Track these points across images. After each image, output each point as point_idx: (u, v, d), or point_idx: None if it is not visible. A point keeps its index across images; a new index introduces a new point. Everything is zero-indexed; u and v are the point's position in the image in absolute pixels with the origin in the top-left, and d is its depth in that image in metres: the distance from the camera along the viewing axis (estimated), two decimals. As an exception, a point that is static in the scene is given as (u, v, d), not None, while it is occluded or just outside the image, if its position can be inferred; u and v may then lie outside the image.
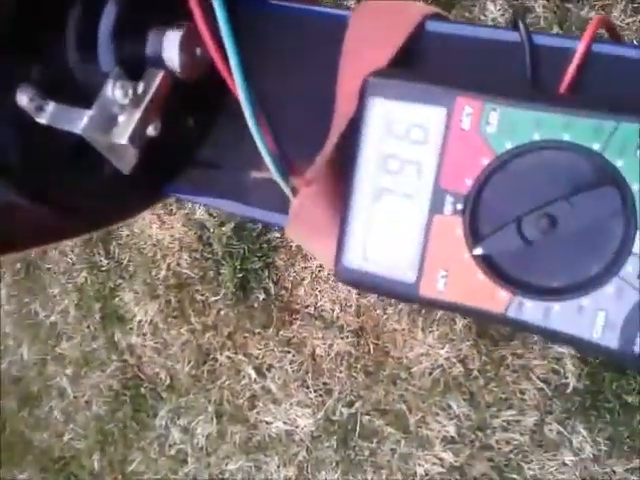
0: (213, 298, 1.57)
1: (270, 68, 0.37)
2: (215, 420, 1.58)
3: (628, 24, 1.12)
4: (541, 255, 0.27)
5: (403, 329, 1.44)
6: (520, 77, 0.30)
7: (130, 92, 0.26)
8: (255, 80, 0.29)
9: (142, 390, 1.67)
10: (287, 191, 0.30)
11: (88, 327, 1.75)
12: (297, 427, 1.49)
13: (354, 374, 1.44)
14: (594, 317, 0.26)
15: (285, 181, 0.30)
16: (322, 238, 0.32)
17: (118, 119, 0.26)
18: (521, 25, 0.30)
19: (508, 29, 0.32)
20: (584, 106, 0.25)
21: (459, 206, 0.28)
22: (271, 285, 1.49)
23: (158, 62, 0.28)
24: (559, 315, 0.27)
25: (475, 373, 1.33)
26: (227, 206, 0.38)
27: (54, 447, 1.84)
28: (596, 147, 0.25)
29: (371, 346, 1.42)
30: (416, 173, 0.28)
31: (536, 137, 0.26)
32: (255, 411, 1.53)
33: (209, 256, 1.55)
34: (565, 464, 1.28)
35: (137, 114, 0.26)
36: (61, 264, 1.79)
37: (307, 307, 1.48)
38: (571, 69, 0.28)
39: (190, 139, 0.35)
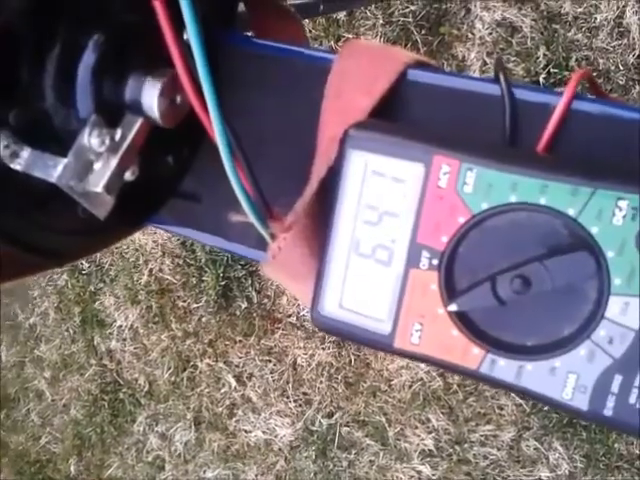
0: (195, 305, 1.56)
1: (253, 108, 0.37)
2: (194, 427, 1.58)
3: (614, 47, 1.14)
4: (515, 315, 0.27)
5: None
6: (500, 131, 0.30)
7: (107, 140, 0.26)
8: (236, 121, 0.29)
9: (121, 395, 1.66)
10: (265, 235, 0.30)
11: (67, 330, 1.74)
12: (276, 436, 1.49)
13: (334, 385, 1.44)
14: (565, 379, 0.26)
15: (263, 225, 0.30)
16: (299, 281, 0.32)
17: (94, 166, 0.26)
18: (502, 79, 0.30)
19: (490, 81, 0.32)
20: (561, 170, 0.25)
21: (435, 261, 0.28)
22: (254, 293, 1.49)
23: (137, 109, 0.27)
24: (531, 375, 0.27)
25: (454, 387, 1.33)
26: (207, 240, 0.37)
27: (30, 450, 1.83)
28: (571, 212, 0.25)
29: (352, 357, 1.43)
30: (394, 226, 0.28)
31: (512, 199, 0.26)
32: (234, 419, 1.53)
33: (192, 262, 1.55)
34: (541, 480, 1.30)
35: (113, 162, 0.26)
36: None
37: (289, 316, 1.48)
38: (549, 127, 0.29)
39: (170, 175, 0.35)
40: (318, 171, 0.30)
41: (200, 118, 0.28)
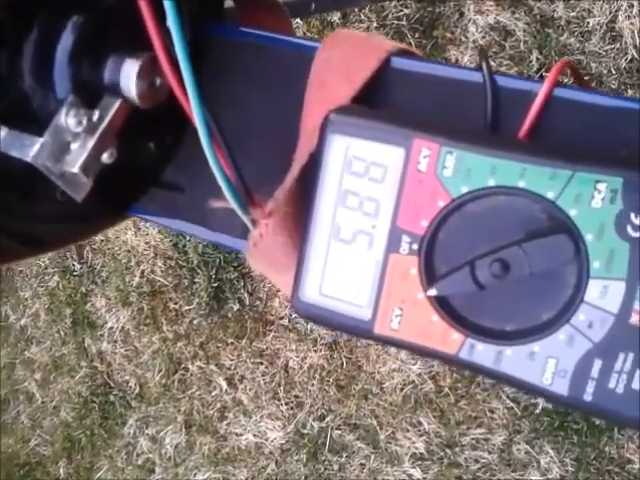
0: (186, 307, 1.55)
1: (236, 96, 0.37)
2: (184, 430, 1.57)
3: (606, 51, 1.14)
4: (494, 299, 0.27)
5: (376, 344, 1.43)
6: (482, 118, 0.30)
7: (84, 121, 0.26)
8: (218, 108, 0.29)
9: (111, 397, 1.65)
10: (247, 221, 0.30)
11: (58, 332, 1.73)
12: (267, 440, 1.48)
13: (326, 387, 1.44)
14: (545, 364, 0.26)
15: (244, 212, 0.29)
16: (281, 269, 0.32)
17: (70, 147, 0.26)
18: (484, 66, 0.30)
19: (472, 69, 0.32)
20: (540, 153, 0.25)
21: (415, 246, 0.27)
22: (246, 296, 1.49)
23: (115, 90, 0.27)
24: (510, 360, 0.27)
25: (446, 390, 1.33)
26: (190, 230, 0.37)
27: (20, 453, 1.81)
28: (550, 195, 0.25)
29: (344, 360, 1.42)
30: (374, 211, 0.28)
31: (491, 183, 0.26)
32: (225, 422, 1.52)
33: (184, 264, 1.54)
34: (532, 484, 1.29)
35: (90, 142, 0.26)
36: (33, 267, 1.76)
37: (281, 319, 1.47)
38: (531, 114, 0.29)
39: (152, 162, 0.35)
40: (300, 158, 0.30)
41: (179, 100, 0.27)
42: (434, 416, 1.36)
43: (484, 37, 1.18)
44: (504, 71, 1.13)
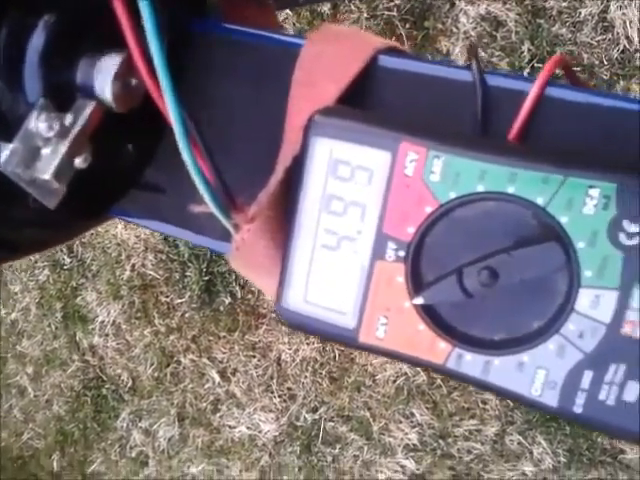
0: (178, 300, 1.54)
1: (220, 94, 0.36)
2: (177, 423, 1.57)
3: (598, 42, 1.13)
4: (482, 308, 0.26)
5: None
6: (472, 118, 0.29)
7: (56, 125, 0.24)
8: (200, 107, 0.28)
9: (104, 391, 1.65)
10: (228, 226, 0.29)
11: (49, 326, 1.72)
12: (260, 432, 1.48)
13: (319, 380, 1.43)
14: (534, 374, 0.25)
15: (225, 216, 0.28)
16: (264, 273, 0.31)
17: (42, 153, 0.25)
18: (474, 66, 0.29)
19: (462, 68, 0.31)
20: (530, 157, 0.24)
21: (401, 253, 0.27)
22: (237, 289, 1.48)
23: (89, 92, 0.26)
24: (498, 370, 0.26)
25: (438, 382, 1.33)
26: (171, 232, 0.36)
27: (12, 446, 1.81)
28: (540, 201, 0.24)
29: (336, 352, 1.42)
30: (360, 216, 0.27)
31: (480, 188, 0.25)
32: (218, 415, 1.52)
33: (175, 258, 1.53)
34: (525, 474, 1.30)
35: (63, 148, 0.25)
36: (23, 262, 1.75)
37: (273, 312, 1.47)
38: (521, 115, 0.28)
39: (130, 165, 0.34)
40: (284, 160, 0.29)
41: (155, 101, 0.26)
42: (427, 408, 1.36)
43: (475, 28, 1.16)
44: (496, 64, 1.12)
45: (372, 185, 0.27)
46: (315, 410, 1.45)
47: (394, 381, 1.38)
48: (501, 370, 0.26)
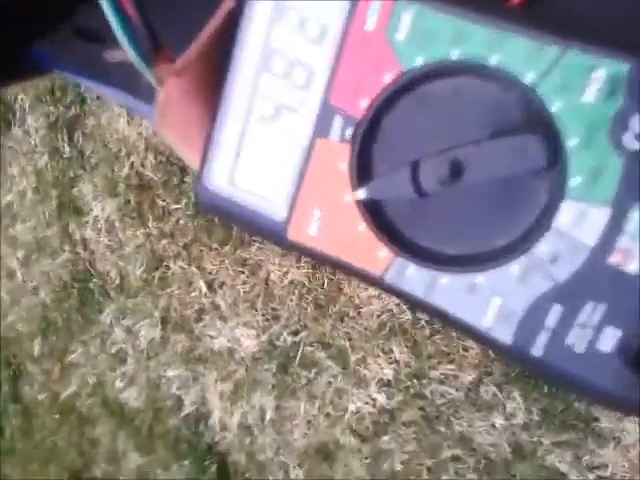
0: (174, 206, 1.51)
1: None
2: (160, 326, 1.57)
3: None
4: (436, 211, 0.21)
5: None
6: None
7: None
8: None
9: (91, 285, 1.65)
10: (151, 79, 0.24)
11: (43, 213, 1.70)
12: (240, 346, 1.47)
13: (304, 305, 1.41)
14: (487, 301, 0.20)
15: (145, 62, 0.23)
16: (191, 141, 0.25)
17: None
18: None
19: None
20: (522, 20, 0.19)
21: (349, 132, 0.21)
22: (234, 201, 1.43)
23: None
24: (445, 290, 0.21)
25: (422, 323, 1.30)
26: (88, 84, 0.30)
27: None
28: (529, 78, 0.18)
29: (325, 280, 1.39)
30: (305, 80, 0.22)
31: (455, 54, 0.19)
32: (201, 324, 1.51)
33: (175, 161, 1.48)
34: (494, 426, 1.28)
35: None
36: (23, 145, 1.71)
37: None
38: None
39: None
40: (224, 5, 0.23)
41: None
42: (406, 346, 1.34)
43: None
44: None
45: (324, 41, 0.21)
46: (296, 333, 1.44)
47: (378, 316, 1.35)
48: (448, 291, 0.21)
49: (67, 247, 1.70)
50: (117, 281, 1.64)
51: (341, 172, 0.21)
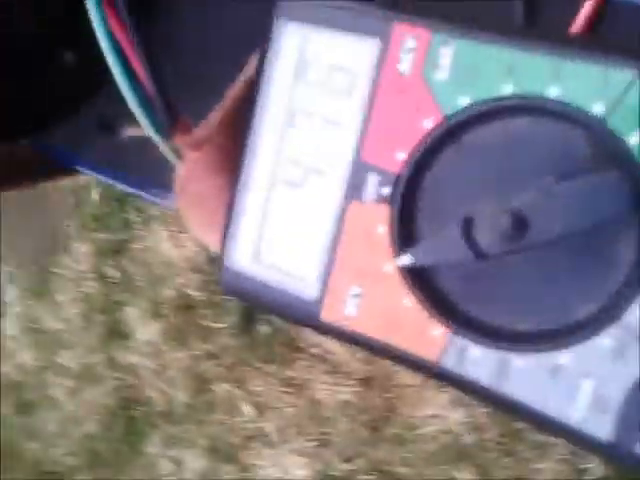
0: (217, 325, 1.50)
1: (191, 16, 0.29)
2: (206, 456, 1.51)
3: None
4: (498, 277, 0.17)
5: (415, 385, 1.33)
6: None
7: None
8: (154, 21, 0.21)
9: (136, 413, 1.61)
10: (168, 154, 0.22)
11: (89, 339, 1.72)
12: (291, 476, 1.39)
13: (356, 427, 1.33)
14: (576, 385, 0.16)
15: (162, 136, 0.21)
16: (214, 218, 0.23)
17: None
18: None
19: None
20: (586, 47, 0.16)
21: (386, 190, 0.18)
22: (276, 319, 1.41)
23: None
24: (520, 375, 0.17)
25: (489, 444, 1.20)
26: (102, 174, 0.28)
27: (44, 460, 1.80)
28: (598, 109, 0.15)
29: (378, 399, 1.32)
30: (333, 139, 0.19)
31: (506, 90, 0.16)
32: (247, 452, 1.44)
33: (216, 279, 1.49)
34: None
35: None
36: (71, 271, 1.77)
37: (312, 347, 1.39)
38: (586, 8, 0.19)
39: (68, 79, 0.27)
40: (246, 70, 0.22)
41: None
42: (473, 471, 1.22)
43: None
44: None
45: (353, 91, 0.19)
46: (349, 460, 1.35)
47: (439, 438, 1.26)
48: (524, 375, 0.16)
49: (112, 373, 1.69)
50: (162, 407, 1.60)
51: (380, 237, 0.18)
